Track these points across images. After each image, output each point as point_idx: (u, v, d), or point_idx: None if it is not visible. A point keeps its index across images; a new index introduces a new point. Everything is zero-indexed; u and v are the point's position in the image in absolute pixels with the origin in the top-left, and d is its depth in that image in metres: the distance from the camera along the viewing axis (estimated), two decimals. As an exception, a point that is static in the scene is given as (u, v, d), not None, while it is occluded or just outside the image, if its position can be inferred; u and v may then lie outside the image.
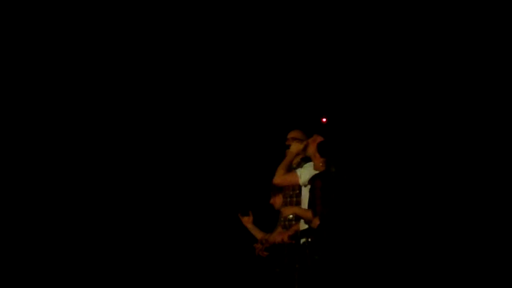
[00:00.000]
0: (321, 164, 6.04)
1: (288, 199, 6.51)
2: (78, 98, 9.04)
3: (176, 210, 9.15)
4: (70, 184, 9.02)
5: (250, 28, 8.85)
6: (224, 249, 9.00)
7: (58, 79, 8.97)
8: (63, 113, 9.03)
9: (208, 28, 8.89)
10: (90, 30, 8.82)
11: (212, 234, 9.04)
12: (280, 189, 6.61)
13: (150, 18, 8.83)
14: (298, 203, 6.30)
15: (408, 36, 8.55)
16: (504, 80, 8.23)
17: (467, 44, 8.34)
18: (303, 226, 6.11)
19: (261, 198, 7.03)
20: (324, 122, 7.77)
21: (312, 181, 6.00)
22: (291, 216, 6.36)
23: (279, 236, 6.50)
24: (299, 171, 6.21)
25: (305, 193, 6.11)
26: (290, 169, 6.31)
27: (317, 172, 6.03)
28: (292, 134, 6.68)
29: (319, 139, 6.14)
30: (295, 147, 6.29)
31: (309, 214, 5.93)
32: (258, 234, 6.87)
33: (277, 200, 6.75)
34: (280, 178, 6.24)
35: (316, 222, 5.84)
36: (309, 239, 5.92)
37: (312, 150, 6.14)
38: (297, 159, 6.44)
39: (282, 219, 6.59)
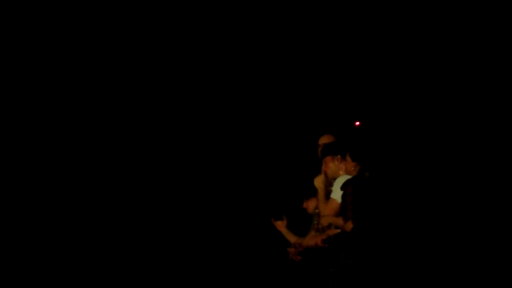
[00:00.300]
0: (353, 168, 6.01)
1: (318, 226, 6.50)
2: (78, 98, 9.07)
3: (206, 213, 9.17)
4: (70, 184, 9.06)
5: (279, 31, 8.85)
6: (259, 253, 9.00)
7: (58, 79, 9.01)
8: (63, 113, 9.08)
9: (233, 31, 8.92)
10: (90, 30, 8.86)
11: (245, 238, 9.05)
12: (313, 193, 6.59)
13: (150, 18, 8.85)
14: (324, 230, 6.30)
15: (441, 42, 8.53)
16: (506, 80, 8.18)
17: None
18: (336, 230, 6.09)
19: (295, 202, 7.02)
20: (357, 125, 7.75)
21: (344, 187, 5.98)
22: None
23: (312, 240, 6.47)
24: (333, 195, 6.15)
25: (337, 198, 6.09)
26: (328, 197, 6.25)
27: (349, 177, 6.00)
28: (324, 140, 6.65)
29: (349, 159, 6.09)
30: (331, 172, 6.24)
31: (340, 221, 5.93)
32: (291, 238, 6.85)
33: (310, 204, 6.73)
34: (324, 211, 6.18)
35: (350, 225, 5.82)
36: (343, 243, 5.90)
37: (349, 169, 6.09)
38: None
39: (315, 222, 6.58)
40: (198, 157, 9.27)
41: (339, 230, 6.00)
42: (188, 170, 9.25)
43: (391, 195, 6.06)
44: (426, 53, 8.63)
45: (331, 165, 6.24)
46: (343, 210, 5.91)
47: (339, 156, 6.14)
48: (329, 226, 6.23)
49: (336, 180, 6.13)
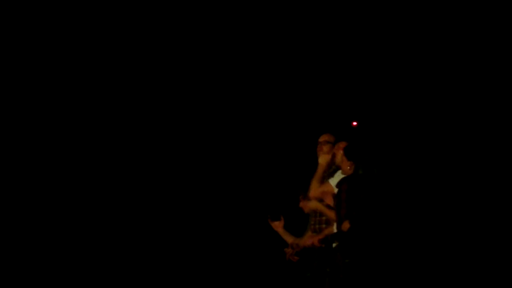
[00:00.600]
0: (348, 167, 6.02)
1: (314, 226, 6.51)
2: (78, 98, 9.07)
3: (202, 213, 9.17)
4: (70, 184, 9.06)
5: (272, 31, 8.86)
6: (256, 254, 9.00)
7: (58, 79, 9.01)
8: (63, 113, 9.08)
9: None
10: (90, 30, 8.86)
11: (242, 238, 9.05)
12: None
13: (150, 18, 8.86)
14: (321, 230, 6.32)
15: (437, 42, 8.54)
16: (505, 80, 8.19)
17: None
18: (333, 230, 6.09)
19: (291, 202, 7.01)
20: (354, 125, 7.75)
21: (339, 185, 6.00)
22: (314, 209, 6.34)
23: (309, 240, 6.48)
24: (331, 181, 6.19)
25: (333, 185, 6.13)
26: (323, 181, 6.29)
27: (344, 176, 6.02)
28: (323, 138, 6.65)
29: (342, 145, 6.12)
30: (323, 159, 6.29)
31: (331, 214, 5.96)
32: (288, 238, 6.85)
33: (307, 204, 6.73)
34: (315, 191, 6.23)
35: (346, 225, 5.82)
36: (340, 243, 5.90)
37: (339, 158, 6.13)
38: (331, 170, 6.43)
39: (312, 223, 6.58)
40: (193, 157, 9.27)
41: (335, 230, 6.01)
42: (183, 170, 9.25)
43: (387, 194, 6.06)
44: (418, 56, 8.64)
45: (322, 154, 6.29)
46: (338, 207, 5.93)
47: (340, 153, 6.15)
48: (328, 223, 6.25)
49: (338, 171, 6.17)
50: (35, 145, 9.01)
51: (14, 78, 8.88)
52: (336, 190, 6.08)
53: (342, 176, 6.09)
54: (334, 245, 6.00)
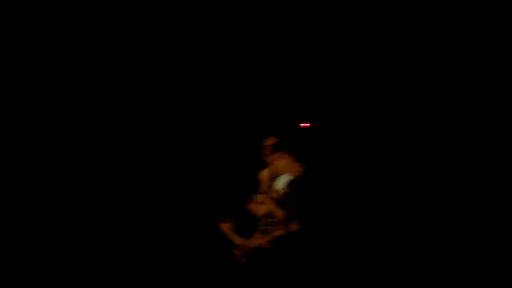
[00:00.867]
0: (298, 169, 6.06)
1: (264, 228, 6.54)
2: (78, 98, 9.03)
3: (157, 215, 9.16)
4: (70, 184, 9.01)
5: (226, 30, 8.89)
6: (204, 255, 9.00)
7: (58, 79, 8.96)
8: (63, 113, 9.03)
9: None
10: (90, 30, 8.82)
11: (190, 240, 9.05)
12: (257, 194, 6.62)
13: (150, 18, 8.85)
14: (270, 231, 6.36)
15: (390, 37, 8.62)
16: (504, 80, 8.31)
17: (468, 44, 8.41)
18: (281, 231, 6.12)
19: (239, 204, 7.03)
20: (303, 127, 7.79)
21: (290, 186, 6.03)
22: (266, 211, 6.39)
23: (257, 241, 6.51)
24: (279, 183, 6.24)
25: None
26: (270, 183, 6.33)
27: (293, 178, 6.06)
28: (268, 141, 6.70)
29: (294, 160, 6.18)
30: (269, 161, 6.35)
31: (279, 213, 6.00)
32: (236, 239, 6.87)
33: (258, 207, 6.75)
34: (263, 193, 6.26)
35: (295, 226, 5.85)
36: (288, 244, 5.93)
37: (282, 167, 6.18)
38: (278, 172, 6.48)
39: (261, 224, 6.60)
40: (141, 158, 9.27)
41: (284, 232, 6.03)
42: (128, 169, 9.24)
43: (335, 195, 6.12)
44: (368, 56, 8.73)
45: (281, 161, 6.31)
46: (286, 209, 5.96)
47: (288, 155, 6.19)
48: (276, 224, 6.27)
49: (280, 177, 6.20)
50: (35, 145, 8.92)
51: (14, 78, 8.79)
52: (283, 192, 6.11)
53: (289, 178, 6.12)
54: (281, 246, 6.03)
